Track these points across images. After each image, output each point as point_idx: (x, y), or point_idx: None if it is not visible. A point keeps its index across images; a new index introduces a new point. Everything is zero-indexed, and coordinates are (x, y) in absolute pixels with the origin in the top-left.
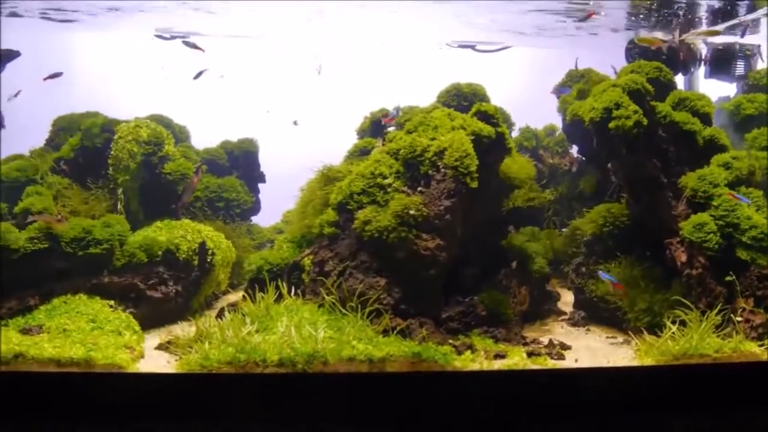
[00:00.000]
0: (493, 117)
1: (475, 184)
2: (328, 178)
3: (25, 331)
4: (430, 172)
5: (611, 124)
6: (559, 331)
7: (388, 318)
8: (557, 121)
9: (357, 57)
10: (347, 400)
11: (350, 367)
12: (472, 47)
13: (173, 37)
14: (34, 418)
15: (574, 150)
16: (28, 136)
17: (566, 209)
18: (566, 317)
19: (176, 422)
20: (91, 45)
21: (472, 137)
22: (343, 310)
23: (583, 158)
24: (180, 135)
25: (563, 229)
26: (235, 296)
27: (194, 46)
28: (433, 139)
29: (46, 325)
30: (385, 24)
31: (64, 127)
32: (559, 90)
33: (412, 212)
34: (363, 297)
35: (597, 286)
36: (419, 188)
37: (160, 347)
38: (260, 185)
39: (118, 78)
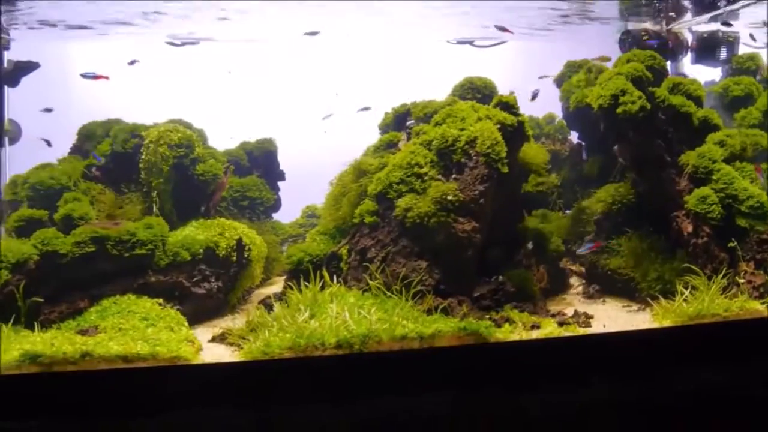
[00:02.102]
0: (513, 107)
1: (506, 170)
2: (360, 171)
3: (82, 332)
4: (462, 159)
5: (619, 109)
6: (577, 304)
7: (431, 298)
8: (552, 110)
9: (363, 56)
10: (404, 375)
11: (402, 345)
12: (471, 43)
13: (184, 44)
14: (106, 414)
15: (573, 136)
16: (39, 144)
17: (568, 192)
18: (581, 291)
19: (244, 408)
20: (95, 54)
21: (498, 126)
22: (388, 293)
23: (583, 143)
24: (199, 138)
25: (567, 211)
26: (267, 290)
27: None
28: (462, 129)
29: (101, 325)
30: (386, 24)
31: (89, 134)
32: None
33: (449, 197)
34: (406, 280)
35: (609, 261)
36: (453, 175)
37: (214, 339)
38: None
39: (122, 85)
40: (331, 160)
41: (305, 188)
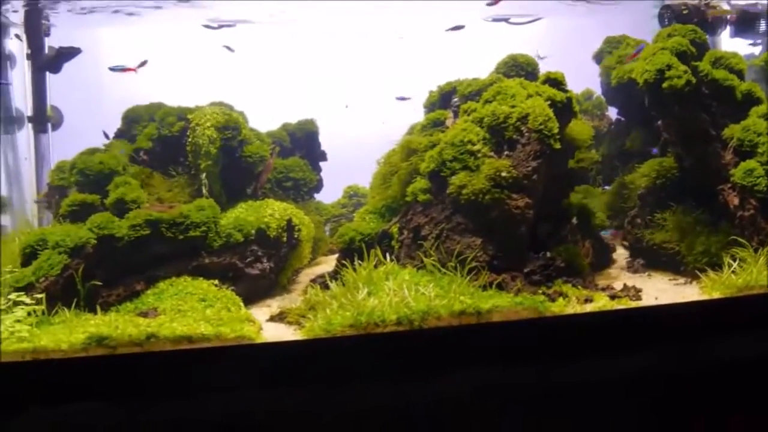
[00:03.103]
0: (561, 83)
1: (558, 146)
2: (409, 149)
3: (142, 314)
4: (514, 136)
5: (664, 84)
6: (623, 278)
7: (486, 274)
8: (589, 86)
9: (400, 35)
10: (465, 349)
11: (461, 320)
12: (506, 20)
13: (221, 26)
14: (173, 394)
15: (610, 112)
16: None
17: (607, 168)
18: (625, 266)
19: (311, 386)
20: (130, 39)
21: (548, 103)
22: (442, 270)
23: (622, 119)
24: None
25: (606, 187)
26: (315, 269)
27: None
28: (512, 106)
29: (160, 307)
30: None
31: (134, 118)
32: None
33: (503, 174)
34: (461, 256)
35: (654, 235)
36: (505, 152)
37: (272, 319)
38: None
39: (158, 70)
40: (368, 140)
41: (344, 168)
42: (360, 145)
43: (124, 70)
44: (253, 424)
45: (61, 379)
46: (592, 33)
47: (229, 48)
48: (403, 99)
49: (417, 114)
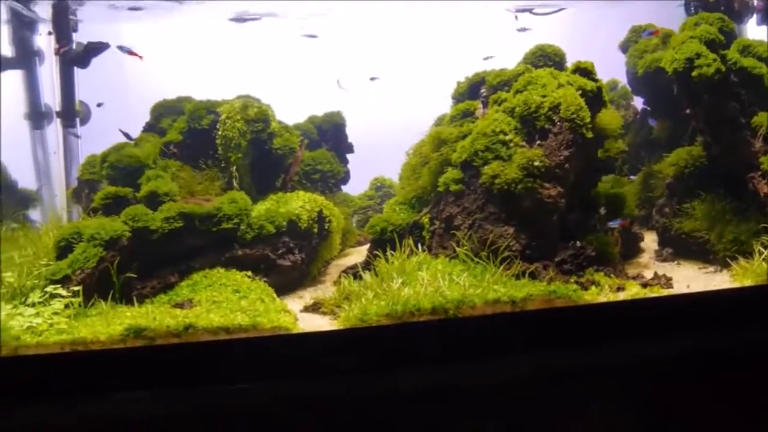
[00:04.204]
0: (591, 72)
1: (590, 135)
2: (439, 140)
3: (178, 306)
4: (546, 126)
5: (694, 73)
6: (652, 267)
7: (518, 263)
8: (612, 76)
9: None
10: (501, 337)
11: (495, 309)
12: (530, 11)
13: (246, 20)
14: (212, 383)
15: (636, 102)
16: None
17: (633, 158)
18: (653, 255)
19: (351, 375)
20: (157, 33)
21: (579, 92)
22: (475, 260)
23: (648, 108)
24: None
25: (631, 177)
26: (344, 260)
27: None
28: (544, 96)
29: (195, 298)
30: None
31: (162, 112)
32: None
33: (536, 163)
34: (493, 246)
35: (683, 223)
36: (537, 142)
37: (306, 309)
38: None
39: (183, 64)
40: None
41: (370, 160)
42: (386, 135)
43: (130, 53)
44: (295, 412)
45: (102, 369)
46: (616, 22)
47: (311, 36)
48: (373, 79)
49: (441, 105)
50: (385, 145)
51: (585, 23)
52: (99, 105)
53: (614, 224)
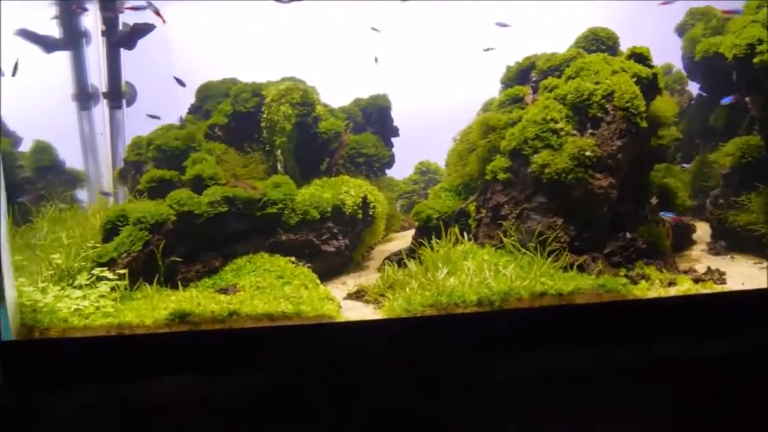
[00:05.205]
0: (647, 58)
1: (645, 124)
2: (487, 126)
3: (222, 291)
4: (598, 114)
5: (755, 59)
6: (704, 261)
7: (567, 255)
8: (666, 60)
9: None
10: (547, 330)
11: (542, 302)
12: None
13: (290, 0)
14: (257, 370)
15: (692, 87)
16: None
17: (687, 145)
18: (706, 247)
19: (394, 365)
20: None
21: (634, 79)
22: (522, 250)
23: (704, 94)
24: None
25: (685, 165)
26: (388, 246)
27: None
28: (597, 83)
29: (239, 284)
30: None
31: (208, 95)
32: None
33: (587, 153)
34: (541, 236)
35: (738, 216)
36: (588, 130)
37: (350, 296)
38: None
39: (230, 45)
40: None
41: (415, 143)
42: (431, 119)
43: (157, 13)
44: (335, 400)
45: (146, 354)
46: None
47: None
48: (488, 50)
49: (491, 88)
50: (432, 128)
51: (639, 4)
52: None
53: (667, 216)
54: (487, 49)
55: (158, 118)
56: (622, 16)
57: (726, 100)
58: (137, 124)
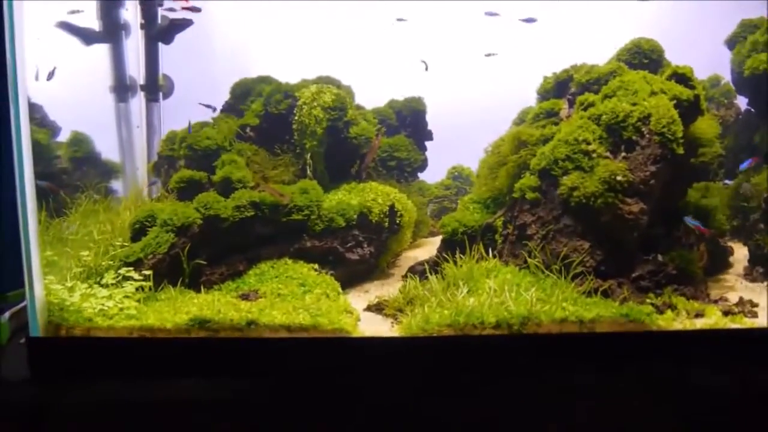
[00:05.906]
0: (690, 79)
1: (681, 150)
2: (519, 141)
3: (244, 296)
4: (633, 137)
5: None
6: (738, 288)
7: (591, 279)
8: (715, 71)
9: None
10: (563, 359)
11: (561, 328)
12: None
13: None
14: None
15: (741, 101)
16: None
17: (731, 161)
18: (742, 272)
19: (406, 384)
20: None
21: (673, 102)
22: (546, 272)
23: (752, 110)
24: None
25: (727, 181)
26: (415, 252)
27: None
28: (634, 104)
29: (261, 290)
30: None
31: (243, 92)
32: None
33: (619, 178)
34: (566, 259)
35: None
36: (622, 153)
37: (369, 308)
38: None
39: (264, 42)
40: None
41: (449, 147)
42: (465, 123)
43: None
44: (344, 413)
45: (166, 356)
46: (722, 13)
47: (424, 63)
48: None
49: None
50: (469, 124)
51: (691, 12)
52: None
53: (692, 223)
54: (489, 54)
55: (213, 108)
56: (673, 23)
57: (744, 165)
58: (174, 117)
